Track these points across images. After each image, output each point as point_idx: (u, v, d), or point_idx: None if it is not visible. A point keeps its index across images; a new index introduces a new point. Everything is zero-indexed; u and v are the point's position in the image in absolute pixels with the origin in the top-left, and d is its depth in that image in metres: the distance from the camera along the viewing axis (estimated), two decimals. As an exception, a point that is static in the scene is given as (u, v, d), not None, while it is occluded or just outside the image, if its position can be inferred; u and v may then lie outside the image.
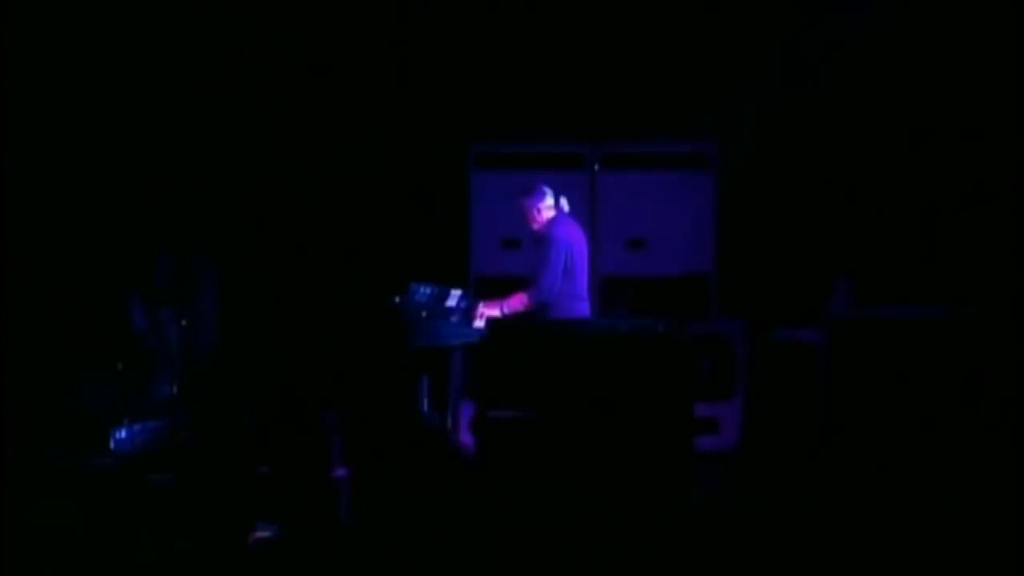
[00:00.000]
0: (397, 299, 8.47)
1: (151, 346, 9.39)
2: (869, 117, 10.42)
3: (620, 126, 10.54)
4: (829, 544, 6.87)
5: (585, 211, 9.99)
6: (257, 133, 10.47)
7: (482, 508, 7.26)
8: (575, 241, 8.83)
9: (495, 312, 8.64)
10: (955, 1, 10.13)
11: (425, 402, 8.72)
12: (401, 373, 8.63)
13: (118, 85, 10.05)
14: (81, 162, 9.92)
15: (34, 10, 9.68)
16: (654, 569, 6.48)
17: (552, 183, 9.04)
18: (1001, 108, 10.00)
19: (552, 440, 7.40)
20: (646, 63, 10.56)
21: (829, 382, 8.48)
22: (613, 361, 7.44)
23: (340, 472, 7.08)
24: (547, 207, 8.88)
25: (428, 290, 8.59)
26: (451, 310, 8.72)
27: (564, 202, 8.98)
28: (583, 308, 8.84)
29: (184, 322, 9.52)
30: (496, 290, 9.16)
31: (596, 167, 10.46)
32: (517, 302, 8.68)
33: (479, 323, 8.63)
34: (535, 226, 8.88)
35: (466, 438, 8.73)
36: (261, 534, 6.72)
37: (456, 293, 8.78)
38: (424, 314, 8.52)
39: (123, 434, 7.47)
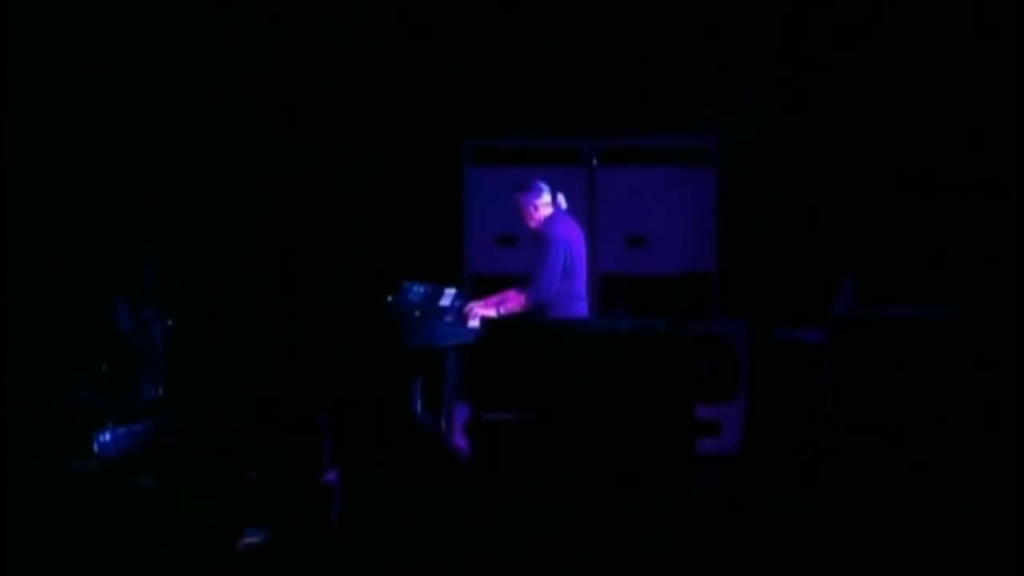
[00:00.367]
0: (390, 298, 8.52)
1: (136, 346, 9.44)
2: (876, 110, 10.41)
3: (619, 120, 10.54)
4: (833, 550, 6.85)
5: (583, 208, 9.99)
6: (248, 129, 10.50)
7: (478, 514, 7.19)
8: (574, 239, 8.81)
9: (491, 313, 8.62)
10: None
11: (419, 404, 8.76)
12: (394, 374, 8.66)
13: (102, 84, 10.11)
14: (65, 161, 9.97)
15: (11, 15, 9.74)
16: (655, 576, 6.43)
17: (549, 179, 9.01)
18: (1012, 102, 10.01)
19: (549, 443, 7.34)
20: (646, 54, 10.57)
21: (834, 383, 8.41)
22: (612, 362, 7.39)
23: (331, 476, 7.05)
24: (544, 204, 8.85)
25: (421, 289, 8.64)
26: (445, 309, 8.73)
27: (561, 199, 8.95)
28: (582, 308, 8.82)
29: (170, 322, 9.59)
30: (492, 289, 9.17)
31: (594, 162, 10.47)
32: (514, 303, 8.67)
33: (474, 323, 8.60)
34: (532, 224, 8.85)
35: (461, 441, 8.72)
36: (249, 540, 6.67)
37: (450, 292, 8.79)
38: (417, 314, 8.53)
39: (107, 437, 7.41)
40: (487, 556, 6.78)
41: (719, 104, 10.39)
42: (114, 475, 6.98)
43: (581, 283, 8.81)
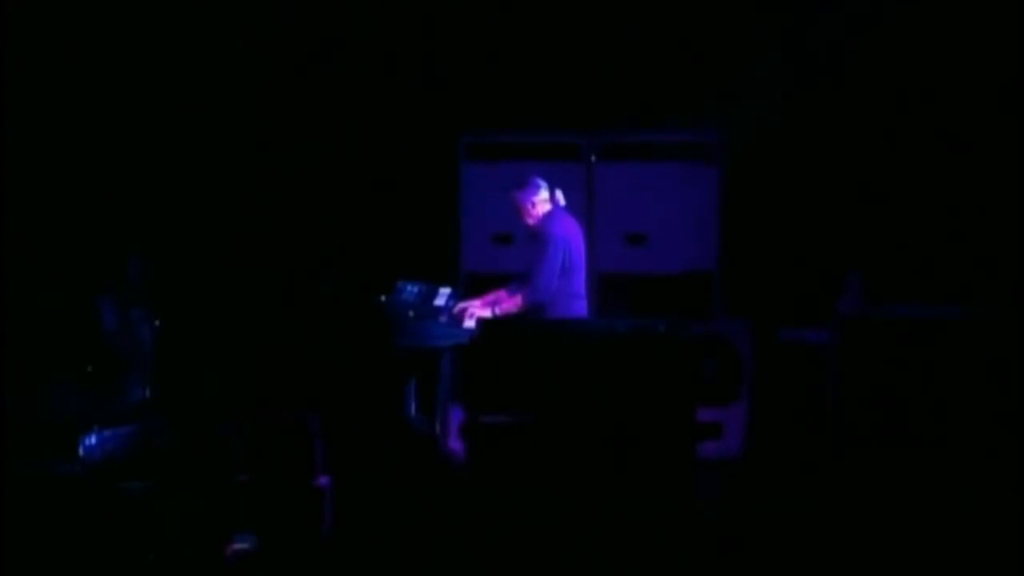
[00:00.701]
0: (383, 298, 8.53)
1: (123, 347, 9.45)
2: (881, 105, 10.46)
3: (618, 114, 10.58)
4: (838, 555, 6.83)
5: (581, 205, 10.00)
6: (240, 125, 10.52)
7: (473, 518, 7.12)
8: (572, 237, 8.77)
9: (486, 313, 8.60)
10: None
11: (413, 406, 8.75)
12: (387, 375, 8.64)
13: (90, 83, 10.16)
14: (52, 161, 10.02)
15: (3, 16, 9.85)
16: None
17: (546, 175, 8.95)
18: (1017, 98, 10.05)
19: (547, 446, 7.28)
20: (645, 47, 10.60)
21: (839, 385, 8.37)
22: (611, 363, 7.32)
23: (323, 480, 6.97)
24: (542, 201, 8.80)
25: (416, 288, 8.68)
26: (440, 309, 8.72)
27: (559, 195, 8.91)
28: (580, 307, 8.79)
29: (158, 322, 9.63)
30: (488, 288, 9.14)
31: (593, 158, 10.50)
32: (508, 304, 8.65)
33: (469, 323, 8.58)
34: (530, 221, 8.82)
35: (456, 444, 8.56)
36: (239, 546, 6.63)
37: (445, 291, 8.80)
38: (411, 313, 8.51)
39: (93, 440, 7.32)
40: (482, 562, 6.75)
41: (722, 98, 10.44)
42: (100, 479, 6.91)
43: (580, 281, 8.76)
